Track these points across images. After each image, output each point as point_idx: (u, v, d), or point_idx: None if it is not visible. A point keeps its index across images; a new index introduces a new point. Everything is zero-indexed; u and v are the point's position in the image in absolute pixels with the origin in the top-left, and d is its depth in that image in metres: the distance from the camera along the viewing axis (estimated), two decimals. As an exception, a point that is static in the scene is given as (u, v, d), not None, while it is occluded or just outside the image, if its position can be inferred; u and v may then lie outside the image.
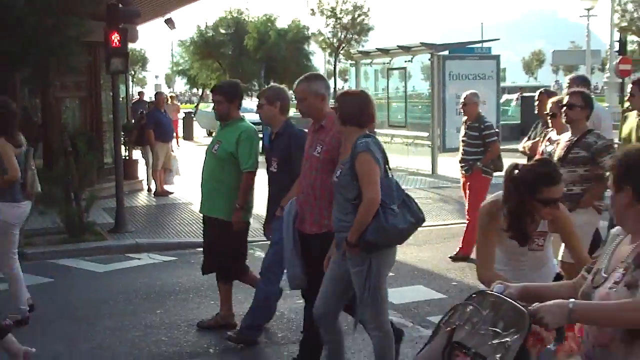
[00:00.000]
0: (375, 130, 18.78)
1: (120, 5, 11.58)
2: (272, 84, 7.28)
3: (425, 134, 19.28)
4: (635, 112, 7.76)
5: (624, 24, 30.16)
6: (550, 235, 4.35)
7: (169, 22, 21.68)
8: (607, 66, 30.80)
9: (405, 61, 21.01)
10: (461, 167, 9.70)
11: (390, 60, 21.97)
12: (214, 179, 6.69)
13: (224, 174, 6.60)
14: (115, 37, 11.33)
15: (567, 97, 6.64)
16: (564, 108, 6.56)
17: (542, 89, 9.19)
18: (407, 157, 19.46)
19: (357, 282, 4.90)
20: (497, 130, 9.73)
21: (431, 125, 18.87)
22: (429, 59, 19.19)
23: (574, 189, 6.46)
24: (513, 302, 2.87)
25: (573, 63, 51.38)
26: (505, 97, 32.96)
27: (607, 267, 2.95)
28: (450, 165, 15.39)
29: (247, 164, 6.49)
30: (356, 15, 44.10)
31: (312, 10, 45.42)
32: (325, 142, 5.30)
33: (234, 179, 6.57)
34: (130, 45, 14.56)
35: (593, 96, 8.70)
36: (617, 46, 29.04)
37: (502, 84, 44.03)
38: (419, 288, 8.32)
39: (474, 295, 3.06)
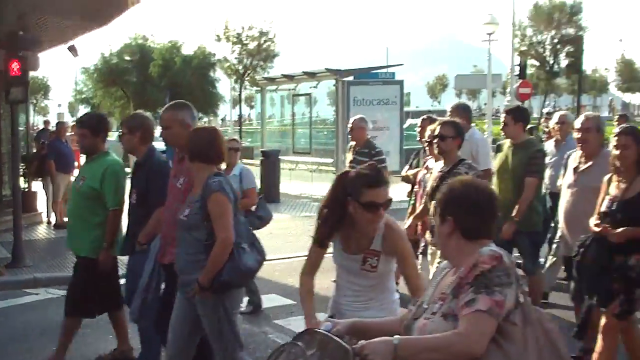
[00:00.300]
0: (280, 157, 18.87)
1: (21, 33, 11.09)
2: (135, 112, 6.94)
3: (330, 160, 19.22)
4: (508, 141, 7.71)
5: (524, 48, 31.01)
6: (388, 259, 4.11)
7: (72, 50, 21.11)
8: (508, 90, 31.48)
9: (311, 87, 20.99)
10: None
11: (295, 87, 21.88)
12: (78, 216, 6.39)
13: (88, 211, 6.28)
14: (15, 66, 10.83)
15: (439, 127, 6.54)
16: (436, 139, 6.48)
17: (425, 115, 9.07)
18: (311, 183, 19.28)
19: (209, 324, 4.79)
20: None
21: (335, 151, 18.80)
22: (334, 85, 19.17)
23: None
24: (338, 340, 2.82)
25: (475, 87, 52.70)
26: (409, 121, 33.34)
27: (430, 298, 2.98)
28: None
29: (113, 202, 6.19)
30: (262, 42, 43.98)
31: (218, 36, 45.08)
32: (188, 174, 5.09)
33: (99, 216, 6.25)
34: (32, 73, 13.97)
35: (474, 124, 8.77)
36: (517, 70, 29.76)
37: (406, 109, 44.75)
38: (323, 316, 8.05)
39: (303, 334, 3.00)
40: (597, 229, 5.56)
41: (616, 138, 5.65)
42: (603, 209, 5.62)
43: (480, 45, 26.67)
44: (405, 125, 24.22)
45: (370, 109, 18.32)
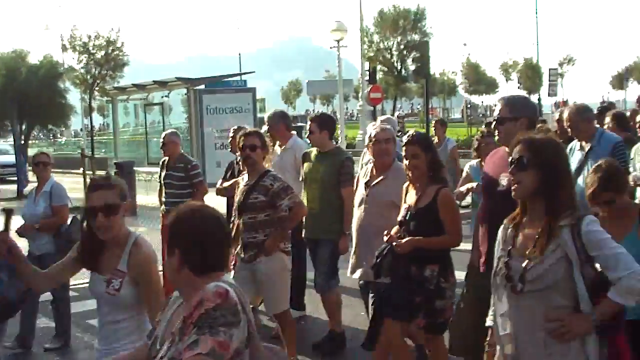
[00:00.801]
0: (135, 168, 18.49)
1: None
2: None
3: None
4: (315, 149, 7.54)
5: (372, 54, 31.82)
6: (135, 285, 3.75)
7: None
8: (360, 94, 32.24)
9: (163, 96, 20.69)
10: (165, 210, 9.10)
11: (147, 95, 21.51)
12: None
13: None
14: None
15: (242, 138, 6.38)
16: (241, 150, 6.34)
17: (236, 126, 8.79)
18: (167, 194, 19.00)
19: None
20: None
21: (190, 160, 18.62)
22: (186, 94, 19.00)
23: (257, 236, 6.26)
24: None
25: (327, 92, 53.50)
26: (265, 128, 33.41)
27: (162, 336, 2.83)
28: (209, 200, 15.15)
29: None
30: (110, 51, 42.86)
31: (64, 45, 43.58)
32: None
33: None
34: None
35: (294, 132, 8.55)
36: (367, 75, 30.51)
37: (262, 115, 44.81)
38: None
39: None
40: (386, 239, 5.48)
41: (404, 148, 5.57)
42: (399, 218, 5.56)
43: (330, 49, 27.18)
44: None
45: (224, 117, 18.33)
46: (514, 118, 4.65)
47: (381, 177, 6.35)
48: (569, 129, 7.18)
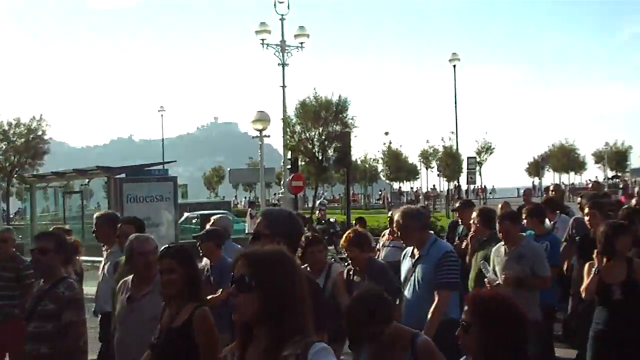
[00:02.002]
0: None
1: None
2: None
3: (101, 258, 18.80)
4: None
5: (294, 143, 32.29)
6: None
7: None
8: (282, 182, 32.63)
9: (82, 185, 20.60)
10: None
11: (67, 183, 21.39)
12: None
13: None
14: None
15: (36, 240, 5.85)
16: (35, 252, 5.72)
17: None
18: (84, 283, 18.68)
19: None
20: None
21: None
22: (106, 182, 19.00)
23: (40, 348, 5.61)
24: None
25: (248, 181, 53.67)
26: (186, 214, 33.36)
27: None
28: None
29: None
30: (30, 139, 42.37)
31: (-16, 131, 42.98)
32: None
33: None
34: None
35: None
36: (290, 164, 30.92)
37: (185, 201, 44.54)
38: None
39: None
40: None
41: (160, 260, 5.01)
42: (152, 339, 4.91)
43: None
44: (181, 220, 24.25)
45: (145, 205, 18.36)
46: (269, 235, 4.30)
47: (145, 291, 5.65)
48: (399, 234, 7.00)
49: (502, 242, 7.79)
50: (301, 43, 30.56)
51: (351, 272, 7.35)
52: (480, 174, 71.82)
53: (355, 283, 7.06)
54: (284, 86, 30.96)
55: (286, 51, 30.42)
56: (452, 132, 58.80)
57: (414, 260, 6.68)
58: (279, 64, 30.49)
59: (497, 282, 7.46)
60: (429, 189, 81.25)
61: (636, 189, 12.39)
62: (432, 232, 7.19)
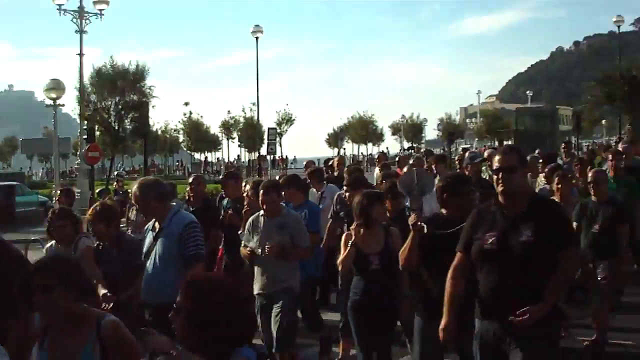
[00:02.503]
0: None
1: None
2: None
3: None
4: None
5: (89, 113, 31.52)
6: None
7: None
8: (78, 152, 31.73)
9: None
10: None
11: None
12: None
13: None
14: None
15: None
16: None
17: None
18: None
19: None
20: None
21: None
22: None
23: None
24: None
25: (42, 151, 51.47)
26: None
27: None
28: None
29: None
30: None
31: None
32: None
33: None
34: None
35: None
36: (86, 134, 30.14)
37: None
38: None
39: None
40: None
41: None
42: None
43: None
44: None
45: None
46: None
47: None
48: (138, 206, 7.00)
49: (262, 212, 7.66)
50: (100, 10, 29.67)
51: (101, 246, 7.29)
52: (280, 145, 73.44)
53: (107, 257, 7.07)
54: (81, 54, 29.97)
55: (84, 18, 29.42)
56: (254, 104, 59.55)
57: (154, 234, 6.54)
58: (76, 31, 29.47)
59: (259, 251, 7.45)
60: (230, 160, 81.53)
61: (411, 161, 13.19)
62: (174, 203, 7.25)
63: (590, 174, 8.73)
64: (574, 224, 8.00)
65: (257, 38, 46.72)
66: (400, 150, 72.59)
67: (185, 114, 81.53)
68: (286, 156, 78.57)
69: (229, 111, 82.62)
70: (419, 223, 5.67)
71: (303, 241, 7.65)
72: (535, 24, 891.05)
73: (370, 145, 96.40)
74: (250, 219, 7.85)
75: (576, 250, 5.10)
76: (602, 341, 8.09)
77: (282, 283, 7.46)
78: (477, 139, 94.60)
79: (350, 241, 6.83)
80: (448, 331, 5.15)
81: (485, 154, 13.16)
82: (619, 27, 52.82)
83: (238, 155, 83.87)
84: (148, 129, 25.09)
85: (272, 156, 45.06)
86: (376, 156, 20.96)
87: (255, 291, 7.60)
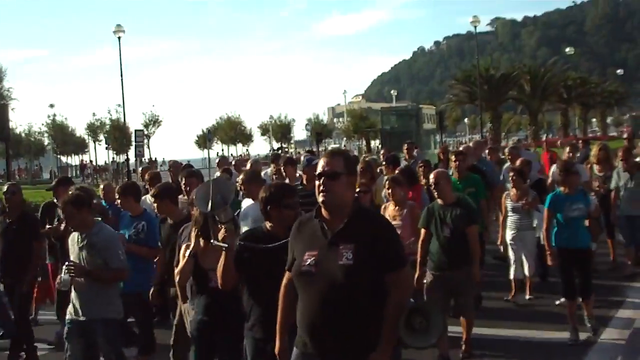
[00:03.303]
0: None
1: None
2: None
3: None
4: None
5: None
6: None
7: None
8: None
9: None
10: None
11: None
12: None
13: None
14: None
15: None
16: None
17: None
18: None
19: None
20: None
21: None
22: None
23: None
24: None
25: None
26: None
27: None
28: None
29: None
30: None
31: None
32: None
33: None
34: None
35: None
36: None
37: None
38: None
39: None
40: None
41: None
42: None
43: None
44: None
45: None
46: None
47: None
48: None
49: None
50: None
51: None
52: (149, 147, 72.21)
53: None
54: None
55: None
56: (119, 105, 58.34)
57: None
58: None
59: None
60: (87, 162, 79.23)
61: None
62: None
63: (431, 176, 8.27)
64: (422, 231, 8.05)
65: (119, 38, 45.80)
66: (270, 150, 72.88)
67: (49, 116, 78.96)
68: (155, 158, 77.24)
69: (94, 113, 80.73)
70: (228, 240, 4.93)
71: (113, 262, 6.63)
72: (397, 25, 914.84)
73: (240, 145, 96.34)
74: (73, 233, 6.96)
75: (406, 272, 4.24)
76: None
77: (97, 309, 6.62)
78: (345, 139, 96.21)
79: (189, 250, 6.18)
80: (282, 356, 4.52)
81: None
82: (475, 27, 55.18)
83: (113, 159, 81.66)
84: (8, 132, 24.03)
85: (140, 159, 44.09)
86: (216, 161, 20.13)
87: (67, 316, 6.82)
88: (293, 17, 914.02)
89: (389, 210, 8.84)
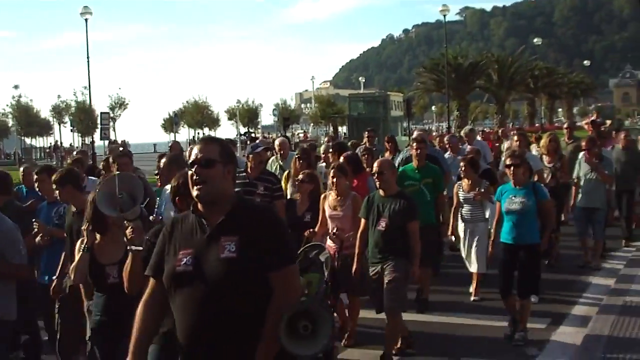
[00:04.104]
0: None
1: None
2: None
3: None
4: None
5: None
6: None
7: None
8: None
9: None
10: None
11: None
12: None
13: None
14: None
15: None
16: None
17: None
18: None
19: None
20: None
21: None
22: None
23: None
24: None
25: None
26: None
27: None
28: None
29: None
30: None
31: None
32: None
33: None
34: None
35: None
36: None
37: None
38: None
39: None
40: None
41: None
42: None
43: None
44: None
45: None
46: None
47: None
48: None
49: None
50: None
51: None
52: (114, 130, 71.58)
53: None
54: None
55: None
56: (85, 87, 57.77)
57: None
58: None
59: None
60: (58, 144, 78.43)
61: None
62: None
63: (374, 165, 7.85)
64: (362, 221, 7.74)
65: (86, 20, 45.30)
66: (237, 135, 72.64)
67: (14, 97, 77.99)
68: (123, 141, 76.54)
69: (59, 95, 79.95)
70: (137, 240, 4.58)
71: (11, 256, 5.86)
72: (366, 11, 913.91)
73: (207, 130, 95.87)
74: None
75: (292, 271, 3.72)
76: None
77: None
78: (312, 124, 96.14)
79: (84, 245, 5.60)
80: None
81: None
82: (444, 16, 55.26)
83: (84, 142, 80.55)
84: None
85: (105, 141, 43.73)
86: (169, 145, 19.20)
87: None
88: (263, 3, 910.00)
89: (330, 200, 8.26)
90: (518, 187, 8.19)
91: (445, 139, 14.30)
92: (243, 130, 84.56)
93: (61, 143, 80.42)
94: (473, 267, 9.96)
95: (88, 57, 45.68)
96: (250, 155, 8.94)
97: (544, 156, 11.92)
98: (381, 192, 7.64)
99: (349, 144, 14.73)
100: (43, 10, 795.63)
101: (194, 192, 3.66)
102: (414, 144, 10.22)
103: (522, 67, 73.83)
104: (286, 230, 3.92)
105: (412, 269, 7.42)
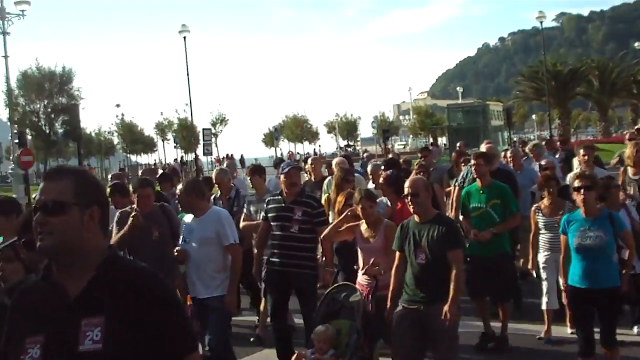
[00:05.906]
0: None
1: None
2: None
3: None
4: None
5: (18, 117, 30.89)
6: None
7: None
8: (12, 157, 31.13)
9: None
10: None
11: None
12: None
13: None
14: None
15: None
16: None
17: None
18: None
19: None
20: None
21: None
22: None
23: None
24: None
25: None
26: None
27: None
28: None
29: None
30: None
31: None
32: None
33: None
34: None
35: None
36: (17, 138, 29.59)
37: None
38: None
39: None
40: None
41: None
42: None
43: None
44: None
45: None
46: None
47: None
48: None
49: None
50: (22, 11, 29.01)
51: None
52: (216, 145, 73.02)
53: None
54: (6, 56, 29.30)
55: (6, 19, 28.75)
56: (187, 104, 59.17)
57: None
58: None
59: None
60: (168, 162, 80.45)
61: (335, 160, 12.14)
62: None
63: (405, 185, 6.51)
64: (397, 254, 6.49)
65: (184, 37, 46.39)
66: (337, 148, 72.84)
67: (117, 116, 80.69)
68: (224, 156, 77.86)
69: (161, 112, 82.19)
70: None
71: None
72: (460, 21, 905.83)
73: (306, 143, 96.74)
74: None
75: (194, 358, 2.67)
76: None
77: None
78: (411, 136, 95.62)
79: None
80: None
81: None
82: (541, 22, 54.21)
83: (182, 157, 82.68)
84: (80, 132, 24.65)
85: (209, 157, 44.67)
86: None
87: None
88: (357, 16, 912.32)
89: (362, 230, 7.17)
90: (591, 218, 6.63)
91: (509, 153, 12.38)
92: (343, 143, 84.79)
93: (175, 159, 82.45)
94: (543, 303, 8.50)
95: (188, 75, 46.70)
96: (282, 176, 7.89)
97: (629, 168, 9.66)
98: (416, 217, 6.33)
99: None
100: (142, 28, 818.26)
101: (37, 244, 2.56)
102: (472, 160, 8.86)
103: (624, 72, 71.55)
104: (179, 304, 2.81)
105: (447, 309, 5.96)
